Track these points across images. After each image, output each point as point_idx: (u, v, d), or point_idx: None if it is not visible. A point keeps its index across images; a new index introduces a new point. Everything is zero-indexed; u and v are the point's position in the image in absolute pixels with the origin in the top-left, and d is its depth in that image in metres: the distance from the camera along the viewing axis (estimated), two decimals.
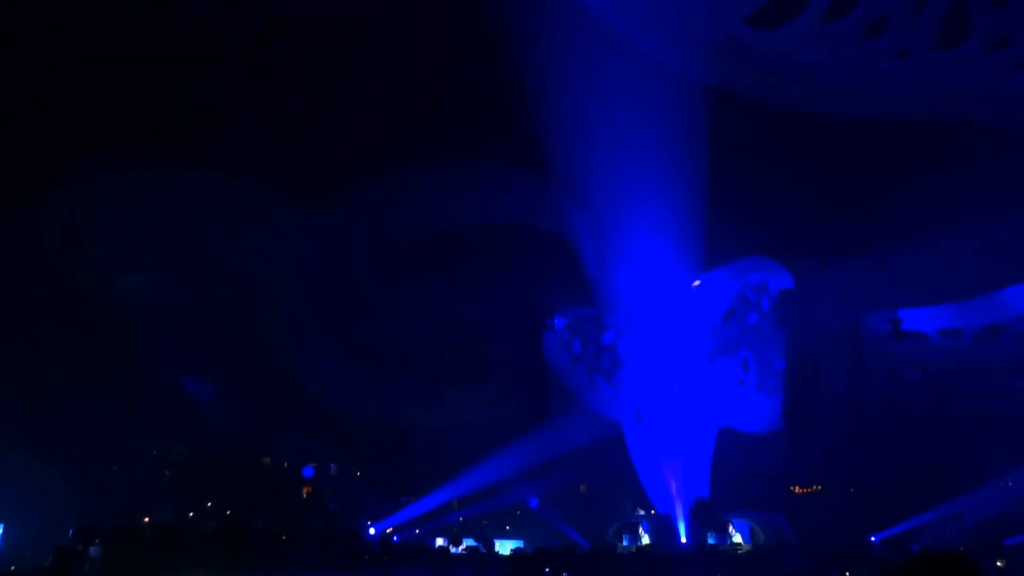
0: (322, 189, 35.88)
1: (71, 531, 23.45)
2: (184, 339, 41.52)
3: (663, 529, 39.55)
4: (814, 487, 50.63)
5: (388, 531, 40.04)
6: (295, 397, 43.70)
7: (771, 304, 41.18)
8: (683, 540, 37.44)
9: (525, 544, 54.09)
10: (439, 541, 42.24)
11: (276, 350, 42.46)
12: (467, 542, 42.69)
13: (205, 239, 34.17)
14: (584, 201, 36.48)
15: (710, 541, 39.05)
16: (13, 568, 32.26)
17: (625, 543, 42.23)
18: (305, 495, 65.21)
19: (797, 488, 51.45)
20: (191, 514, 51.90)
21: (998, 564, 33.42)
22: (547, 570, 24.84)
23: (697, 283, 40.43)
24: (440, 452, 49.27)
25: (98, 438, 49.89)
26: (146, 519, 39.63)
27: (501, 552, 45.40)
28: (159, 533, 22.39)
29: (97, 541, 21.74)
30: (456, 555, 33.56)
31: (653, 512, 46.29)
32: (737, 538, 40.45)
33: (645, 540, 40.89)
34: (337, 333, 44.16)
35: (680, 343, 40.37)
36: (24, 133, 30.98)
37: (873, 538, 39.30)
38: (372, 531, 39.12)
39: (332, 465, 68.54)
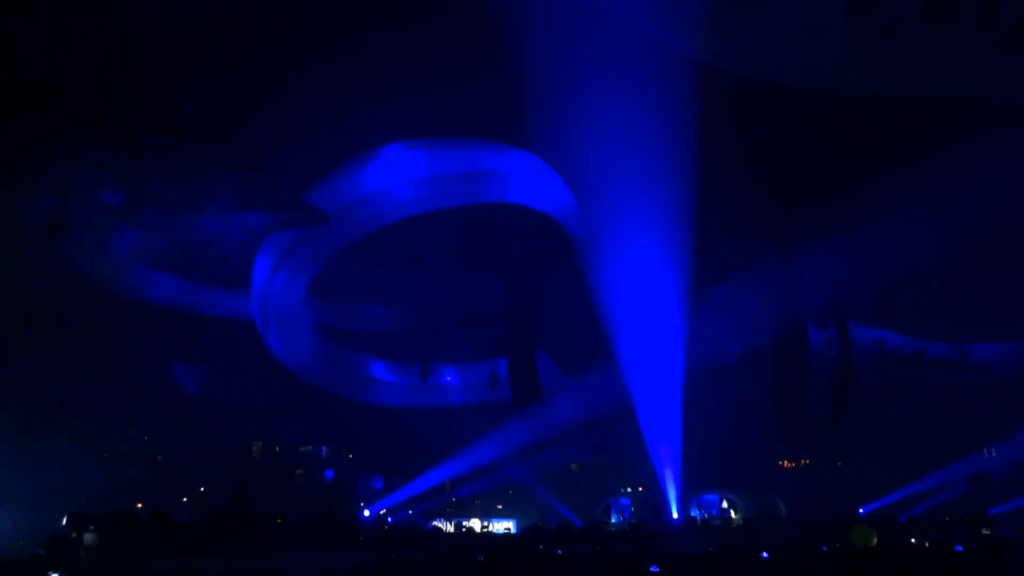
0: (311, 173, 35.49)
1: (64, 518, 23.43)
2: (174, 324, 41.33)
3: (653, 505, 40.06)
4: (803, 461, 51.30)
5: (382, 512, 40.30)
6: (286, 380, 43.65)
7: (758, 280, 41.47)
8: (674, 516, 37.92)
9: (518, 523, 54.66)
10: (433, 522, 42.66)
11: (267, 334, 42.31)
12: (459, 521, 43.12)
13: (193, 223, 33.86)
14: (573, 181, 36.36)
15: (697, 515, 39.65)
16: None
17: (614, 520, 42.78)
18: (298, 477, 65.33)
19: (785, 463, 52.11)
20: (184, 499, 51.96)
21: (984, 532, 34.23)
22: (540, 548, 25.08)
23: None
24: (432, 433, 49.51)
25: (90, 425, 49.75)
26: (139, 505, 39.59)
27: (495, 531, 45.85)
28: (153, 518, 22.39)
29: (91, 527, 21.73)
30: (450, 535, 33.83)
31: (640, 489, 46.85)
32: (733, 513, 41.11)
33: (632, 516, 41.47)
34: (329, 316, 44.08)
35: (669, 317, 40.58)
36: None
37: (861, 509, 39.99)
38: (366, 513, 39.38)
39: (324, 448, 68.66)
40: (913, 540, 28.55)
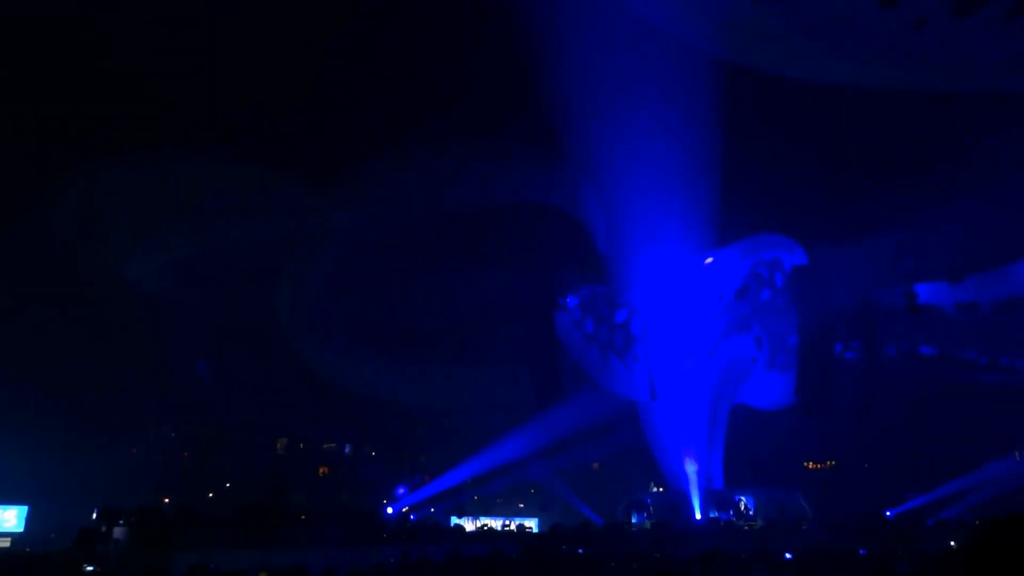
0: (335, 172, 35.85)
1: (95, 512, 23.79)
2: (201, 326, 41.87)
3: (676, 505, 39.75)
4: (828, 463, 50.68)
5: (404, 510, 40.45)
6: (311, 380, 44.05)
7: (784, 281, 41.00)
8: (697, 516, 37.61)
9: (540, 521, 54.56)
10: (455, 520, 42.71)
11: (292, 335, 42.76)
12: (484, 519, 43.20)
13: (217, 227, 34.31)
14: (596, 180, 36.32)
15: (720, 516, 39.29)
16: (28, 549, 32.92)
17: (635, 520, 42.55)
18: (322, 475, 65.90)
19: (811, 464, 51.51)
20: (210, 495, 52.64)
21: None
22: (563, 548, 25.01)
23: (710, 260, 40.24)
24: (455, 432, 49.62)
25: (119, 423, 50.68)
26: (166, 500, 40.24)
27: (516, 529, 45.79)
28: (180, 513, 22.69)
29: (120, 522, 22.05)
30: (472, 533, 33.89)
31: (662, 489, 46.53)
32: (751, 512, 40.67)
33: (654, 516, 41.18)
34: (351, 316, 44.35)
35: (693, 320, 40.27)
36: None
37: (888, 512, 39.34)
38: (389, 510, 39.58)
39: (347, 446, 69.21)
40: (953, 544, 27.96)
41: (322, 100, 33.60)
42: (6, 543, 43.30)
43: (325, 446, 68.25)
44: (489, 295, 46.22)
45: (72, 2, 27.29)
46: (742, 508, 40.78)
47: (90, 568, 15.02)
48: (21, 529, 47.24)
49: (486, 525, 42.26)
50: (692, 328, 40.34)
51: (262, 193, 32.41)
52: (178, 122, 31.84)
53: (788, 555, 20.40)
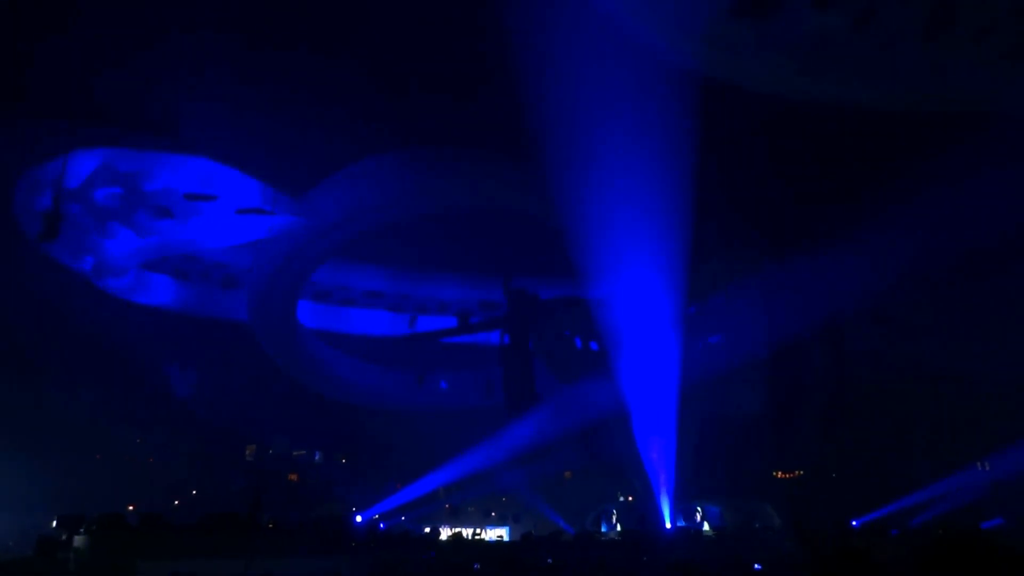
0: (301, 175, 35.53)
1: (55, 520, 23.26)
2: (167, 329, 41.24)
3: (644, 515, 39.96)
4: (796, 472, 51.28)
5: (375, 518, 40.13)
6: (280, 385, 43.60)
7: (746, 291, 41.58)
8: (667, 525, 37.82)
9: (511, 530, 54.45)
10: (427, 528, 42.46)
11: (260, 339, 42.24)
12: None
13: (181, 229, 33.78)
14: (571, 189, 36.47)
15: (688, 526, 39.59)
16: None
17: (604, 529, 42.69)
18: (291, 482, 65.13)
19: (780, 473, 52.09)
20: (176, 503, 51.73)
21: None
22: (532, 556, 24.98)
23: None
24: (426, 440, 49.39)
25: (82, 428, 49.59)
26: (131, 507, 39.45)
27: (487, 538, 45.64)
28: (144, 521, 22.25)
29: (81, 530, 21.58)
30: (442, 542, 33.66)
31: (631, 499, 46.78)
32: (705, 525, 41.17)
33: (624, 525, 41.35)
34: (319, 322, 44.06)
35: (663, 328, 40.62)
36: None
37: (854, 522, 39.92)
38: (359, 518, 39.19)
39: (317, 453, 68.53)
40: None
41: (296, 99, 33.30)
42: None
43: (295, 453, 67.51)
44: (463, 301, 46.22)
45: None
46: (707, 518, 41.15)
47: None
48: None
49: (458, 533, 42.06)
50: (663, 336, 40.68)
51: (227, 194, 32.01)
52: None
53: (757, 566, 20.59)
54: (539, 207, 37.28)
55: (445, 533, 40.40)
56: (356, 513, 42.02)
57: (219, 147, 31.57)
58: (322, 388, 46.31)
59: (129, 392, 49.37)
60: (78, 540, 20.81)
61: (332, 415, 50.60)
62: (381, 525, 37.58)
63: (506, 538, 48.48)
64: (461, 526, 49.09)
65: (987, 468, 45.74)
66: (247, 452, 65.52)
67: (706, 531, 40.04)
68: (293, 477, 65.99)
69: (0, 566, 16.71)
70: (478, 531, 50.99)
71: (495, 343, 45.18)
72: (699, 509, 41.76)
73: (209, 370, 47.50)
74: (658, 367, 40.33)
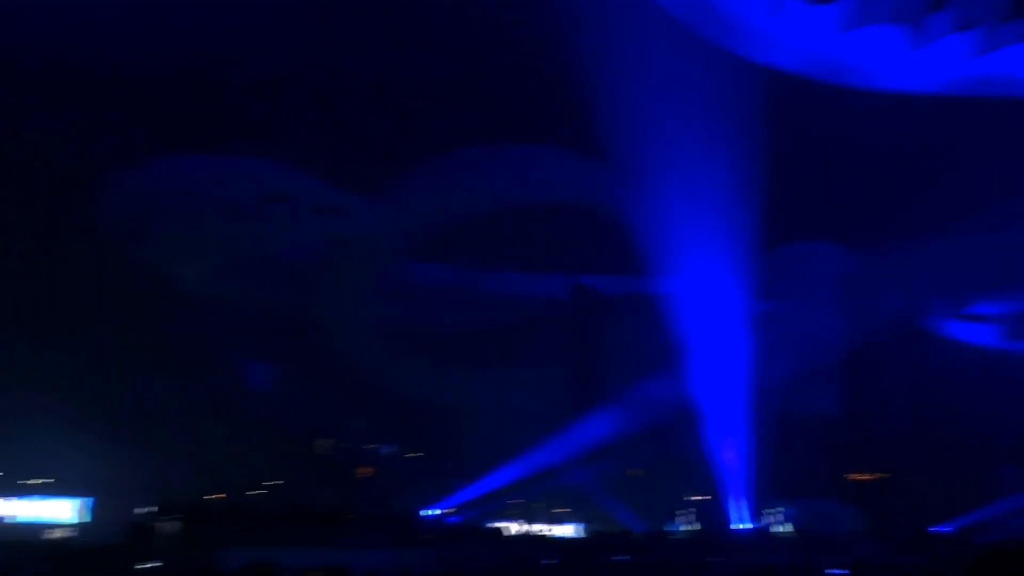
0: (373, 175, 36.31)
1: (148, 508, 24.54)
2: (248, 327, 42.81)
3: (718, 514, 39.26)
4: (877, 474, 49.35)
5: (443, 512, 40.73)
6: (353, 381, 44.71)
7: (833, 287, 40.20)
8: (740, 526, 37.08)
9: (580, 527, 54.25)
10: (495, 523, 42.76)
11: (334, 336, 43.38)
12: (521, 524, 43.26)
13: (261, 230, 35.02)
14: (638, 182, 36.10)
15: (757, 525, 38.71)
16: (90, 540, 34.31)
17: (676, 527, 42.12)
18: (363, 476, 66.67)
19: (858, 475, 50.26)
20: (256, 492, 53.71)
21: None
22: (600, 553, 24.93)
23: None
24: (495, 437, 49.75)
25: (171, 422, 52.23)
26: (214, 496, 41.25)
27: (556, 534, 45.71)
28: (226, 510, 23.29)
29: (169, 517, 22.70)
30: (510, 536, 34.00)
31: (701, 498, 45.97)
32: (783, 526, 40.04)
33: (695, 525, 40.70)
34: (393, 319, 44.80)
35: (737, 323, 39.74)
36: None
37: (931, 528, 38.18)
38: (428, 512, 39.90)
39: (387, 447, 69.89)
40: None
41: (355, 100, 34.07)
42: (73, 533, 45.17)
43: (366, 447, 69.02)
44: (529, 297, 46.29)
45: None
46: (780, 519, 40.07)
47: (146, 566, 15.49)
48: (76, 520, 49.16)
49: (526, 529, 42.31)
50: (738, 333, 39.81)
51: (304, 195, 33.02)
52: (218, 123, 32.75)
53: (838, 572, 19.95)
54: (610, 202, 37.02)
55: (513, 528, 40.67)
56: (426, 507, 42.79)
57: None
58: (394, 386, 47.23)
59: (212, 388, 51.63)
60: (166, 527, 21.92)
61: (404, 412, 51.53)
62: (449, 519, 38.18)
63: (574, 535, 48.38)
64: (529, 522, 49.25)
65: None
66: (317, 447, 67.35)
67: (779, 532, 39.07)
68: (365, 471, 67.51)
69: (100, 549, 17.83)
70: (547, 527, 51.07)
71: (561, 339, 45.21)
72: (772, 510, 40.76)
73: (286, 368, 49.10)
74: (731, 365, 39.49)
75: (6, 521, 46.34)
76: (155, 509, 23.81)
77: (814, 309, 41.31)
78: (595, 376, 44.51)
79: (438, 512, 41.10)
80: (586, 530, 45.58)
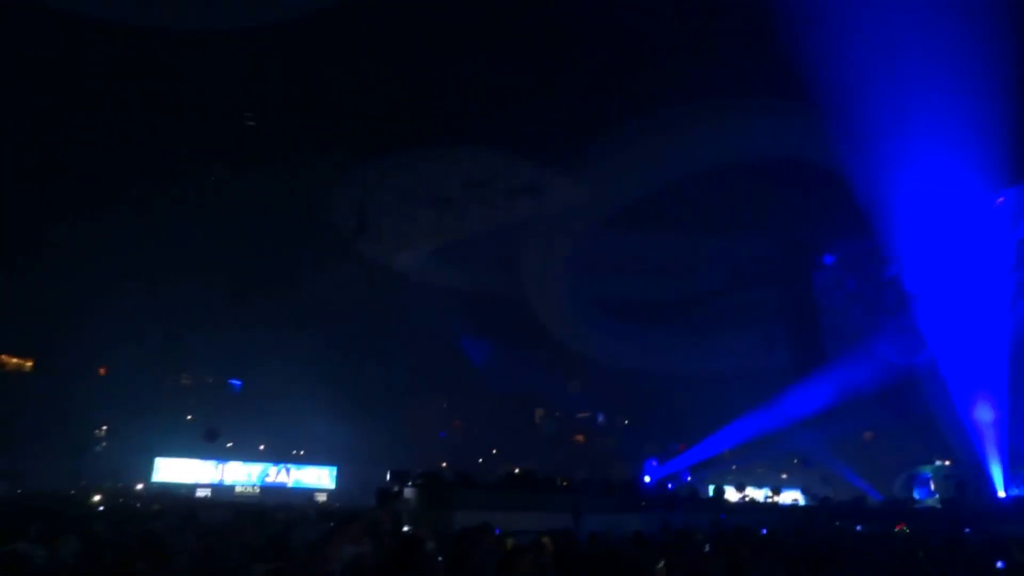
0: (579, 133, 36.14)
1: (388, 474, 26.76)
2: (463, 305, 45.29)
3: (958, 481, 35.32)
4: None
5: (661, 478, 40.65)
6: (564, 352, 45.77)
7: None
8: (1000, 494, 32.98)
9: (803, 494, 51.60)
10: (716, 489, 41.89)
11: (545, 311, 44.56)
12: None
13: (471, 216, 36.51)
14: (849, 123, 32.87)
15: (1014, 493, 34.12)
16: (338, 505, 38.78)
17: (917, 496, 38.44)
18: (577, 443, 68.38)
19: None
20: (480, 460, 57.24)
21: None
22: (836, 523, 23.46)
23: (1001, 200, 34.72)
24: (709, 401, 48.61)
25: (400, 395, 57.15)
26: (444, 464, 44.49)
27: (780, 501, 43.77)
28: (459, 477, 24.90)
29: (409, 483, 24.57)
30: (733, 503, 33.09)
31: (948, 463, 41.58)
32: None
33: (941, 493, 36.91)
34: (601, 291, 45.04)
35: (980, 271, 35.14)
36: None
37: None
38: (647, 478, 40.01)
39: (600, 415, 71.02)
40: None
41: (552, 75, 34.18)
42: (323, 498, 51.69)
43: (579, 415, 70.73)
44: (741, 257, 44.33)
45: None
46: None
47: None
48: (333, 487, 56.02)
49: (747, 496, 40.98)
50: (979, 279, 35.20)
51: (508, 178, 34.01)
52: (430, 118, 34.54)
53: None
54: (828, 154, 34.12)
55: (732, 495, 39.55)
56: (644, 473, 42.93)
57: None
58: (601, 356, 47.72)
59: (435, 364, 55.66)
60: (407, 492, 23.85)
61: (614, 379, 52.02)
62: (669, 485, 37.97)
63: (801, 502, 46.10)
64: (749, 487, 47.70)
65: None
66: (536, 415, 70.07)
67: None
68: (579, 438, 69.17)
69: (352, 513, 19.81)
70: (770, 493, 49.12)
71: (773, 301, 42.88)
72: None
73: (500, 342, 51.52)
74: (984, 313, 34.95)
75: (291, 487, 54.26)
76: (388, 476, 25.96)
77: None
78: (818, 335, 41.70)
79: (656, 478, 41.08)
80: (813, 497, 43.21)
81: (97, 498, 29.88)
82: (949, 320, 35.61)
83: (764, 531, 17.46)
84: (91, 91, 33.31)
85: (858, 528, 21.94)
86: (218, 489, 53.30)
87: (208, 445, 48.19)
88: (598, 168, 34.93)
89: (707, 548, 12.73)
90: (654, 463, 47.28)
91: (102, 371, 57.02)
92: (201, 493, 51.15)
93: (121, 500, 31.25)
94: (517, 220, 36.03)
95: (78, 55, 30.66)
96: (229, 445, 52.66)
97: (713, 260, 44.35)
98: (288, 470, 56.83)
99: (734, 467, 53.20)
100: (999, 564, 11.23)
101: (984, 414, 35.19)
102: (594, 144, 35.50)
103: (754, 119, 33.73)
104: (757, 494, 45.63)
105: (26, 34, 29.16)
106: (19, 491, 32.88)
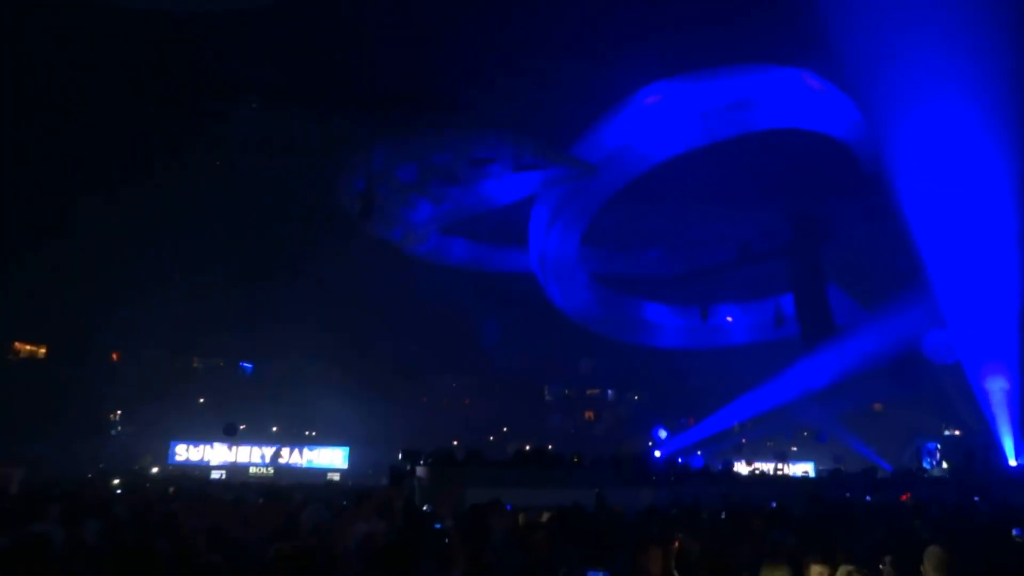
0: (568, 121, 36.01)
1: (400, 453, 27.01)
2: (471, 282, 45.26)
3: (966, 451, 35.33)
4: None
5: (671, 453, 40.84)
6: (573, 329, 45.77)
7: None
8: (1012, 463, 32.99)
9: (815, 466, 51.86)
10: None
11: (552, 287, 44.47)
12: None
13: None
14: (859, 96, 32.36)
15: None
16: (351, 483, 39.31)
17: (926, 466, 38.55)
18: (587, 419, 68.73)
19: None
20: (491, 438, 57.63)
21: None
22: (847, 495, 23.58)
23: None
24: (717, 375, 48.69)
25: (410, 375, 57.47)
26: (455, 443, 44.82)
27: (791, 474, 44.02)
28: (469, 456, 25.08)
29: (421, 462, 24.79)
30: (744, 477, 33.26)
31: (957, 432, 41.59)
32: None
33: (950, 463, 36.99)
34: (608, 264, 44.86)
35: (991, 240, 34.76)
36: None
37: None
38: (657, 453, 40.23)
39: (610, 391, 71.27)
40: None
41: (558, 55, 33.88)
42: (336, 477, 52.35)
43: (589, 391, 71.03)
44: (750, 229, 44.10)
45: None
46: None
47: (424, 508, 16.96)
48: (346, 466, 56.63)
49: (757, 469, 41.21)
50: (991, 249, 34.80)
51: (506, 154, 33.70)
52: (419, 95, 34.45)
53: None
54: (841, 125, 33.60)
55: (742, 468, 39.76)
56: (654, 448, 43.17)
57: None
58: (608, 332, 47.65)
59: (445, 343, 55.85)
60: (419, 470, 24.07)
61: (622, 355, 52.04)
62: (679, 460, 38.16)
63: (812, 474, 46.34)
64: (759, 461, 47.94)
65: None
66: (545, 393, 70.37)
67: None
68: (589, 415, 69.52)
69: (366, 492, 20.06)
70: (780, 466, 49.37)
71: (780, 272, 42.67)
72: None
73: (508, 320, 51.54)
74: (994, 280, 34.55)
75: (304, 467, 55.11)
76: (400, 456, 26.18)
77: None
78: (820, 307, 41.50)
79: (667, 453, 41.30)
80: (824, 469, 43.41)
81: (116, 481, 30.35)
82: (960, 289, 35.28)
83: (774, 504, 17.54)
84: (101, 77, 33.31)
85: (868, 499, 22.06)
86: (232, 471, 54.06)
87: (221, 427, 48.75)
88: (597, 146, 34.59)
89: (722, 517, 12.79)
90: (661, 430, 47.52)
91: (115, 356, 57.60)
92: (215, 475, 51.90)
93: (148, 485, 31.67)
94: (514, 195, 35.80)
95: (84, 41, 30.68)
96: (242, 427, 53.23)
97: (715, 232, 44.15)
98: (301, 451, 57.57)
99: (744, 440, 53.45)
100: (1015, 532, 11.26)
101: (995, 383, 35.04)
102: (598, 120, 35.16)
103: (761, 90, 33.23)
104: (767, 467, 45.89)
105: (32, 28, 29.19)
106: (39, 477, 33.45)
